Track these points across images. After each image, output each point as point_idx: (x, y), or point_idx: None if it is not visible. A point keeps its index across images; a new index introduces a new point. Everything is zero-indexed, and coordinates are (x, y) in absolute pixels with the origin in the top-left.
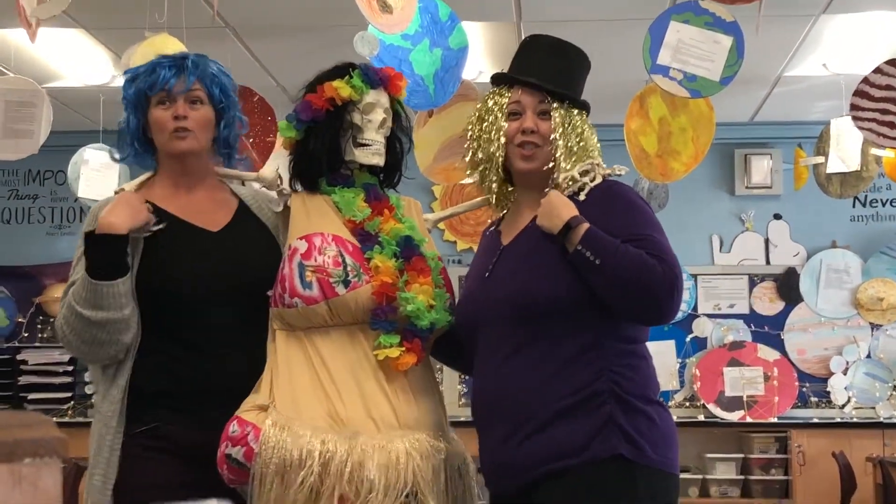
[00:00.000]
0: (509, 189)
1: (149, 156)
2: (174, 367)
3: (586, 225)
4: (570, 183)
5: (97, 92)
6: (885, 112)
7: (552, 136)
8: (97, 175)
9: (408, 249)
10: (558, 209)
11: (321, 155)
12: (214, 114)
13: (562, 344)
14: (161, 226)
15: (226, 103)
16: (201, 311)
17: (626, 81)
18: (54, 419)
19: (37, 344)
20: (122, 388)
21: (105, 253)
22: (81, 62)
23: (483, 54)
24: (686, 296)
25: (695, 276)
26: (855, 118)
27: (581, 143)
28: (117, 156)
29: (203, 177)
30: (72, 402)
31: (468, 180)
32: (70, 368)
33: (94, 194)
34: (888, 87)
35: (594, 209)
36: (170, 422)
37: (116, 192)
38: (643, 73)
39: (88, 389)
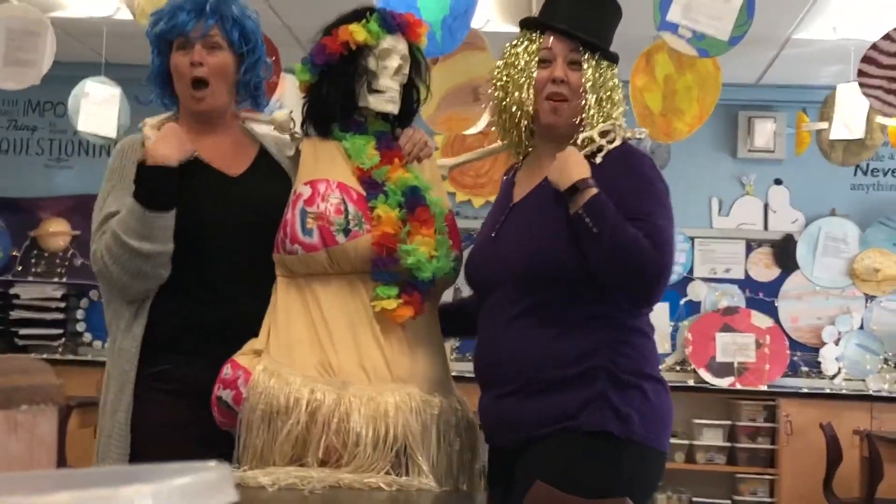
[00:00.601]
0: (530, 138)
1: (174, 99)
2: (190, 307)
3: (593, 190)
4: (589, 143)
5: (101, 24)
6: (892, 80)
7: (582, 88)
8: (97, 109)
9: (413, 199)
10: (570, 167)
11: (334, 100)
12: (235, 58)
13: (563, 312)
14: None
15: (247, 48)
16: (218, 254)
17: (634, 36)
18: (45, 355)
19: (30, 279)
20: (143, 326)
21: (158, 184)
22: None
23: (492, 3)
24: (682, 258)
25: (692, 239)
26: (862, 84)
27: (610, 97)
28: (143, 99)
29: (224, 123)
30: (63, 339)
31: (471, 131)
32: (62, 305)
33: (94, 128)
34: None
35: (607, 174)
36: (179, 364)
37: (140, 128)
38: (651, 29)
39: (80, 327)
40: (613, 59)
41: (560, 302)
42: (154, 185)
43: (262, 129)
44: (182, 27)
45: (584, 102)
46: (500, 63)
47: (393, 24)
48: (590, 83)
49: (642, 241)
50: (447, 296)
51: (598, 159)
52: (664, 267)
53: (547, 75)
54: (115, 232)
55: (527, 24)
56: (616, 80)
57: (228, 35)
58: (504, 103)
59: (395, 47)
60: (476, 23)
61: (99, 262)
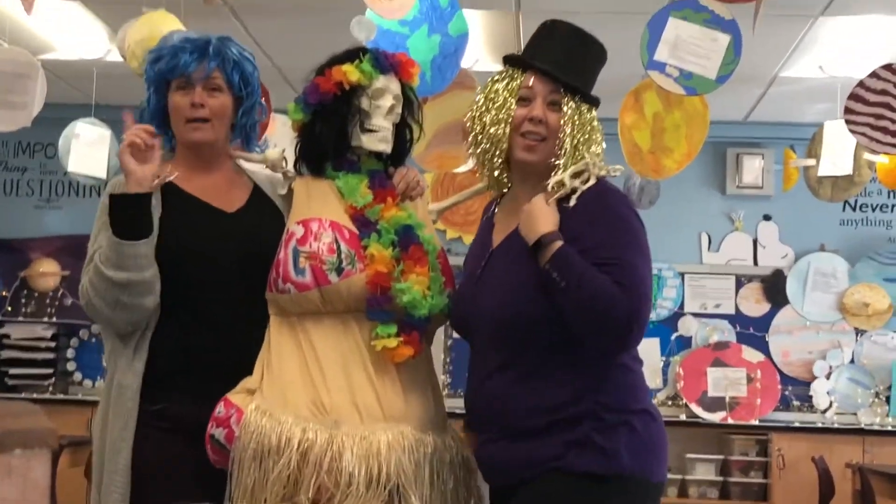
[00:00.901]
0: (506, 174)
1: (168, 137)
2: (187, 344)
3: (558, 244)
4: (560, 187)
5: (91, 65)
6: (879, 117)
7: (560, 130)
8: (88, 150)
9: (406, 238)
10: (536, 221)
11: (327, 139)
12: (234, 101)
13: (542, 362)
14: (174, 175)
15: (245, 91)
16: (214, 291)
17: (622, 75)
18: (35, 395)
19: (20, 319)
20: (144, 362)
21: (128, 212)
22: (77, 35)
23: (481, 43)
24: (672, 294)
25: (682, 275)
26: (849, 122)
27: (587, 141)
28: None
29: (219, 161)
30: (53, 379)
31: (461, 169)
32: (53, 345)
33: (85, 169)
34: (883, 92)
35: (578, 219)
36: (176, 401)
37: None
38: (639, 68)
39: (70, 366)
40: (594, 101)
41: (539, 350)
42: (124, 213)
43: (255, 168)
44: (184, 68)
45: (560, 143)
46: (479, 97)
47: (386, 64)
48: (569, 125)
49: (611, 290)
50: (440, 333)
51: (573, 202)
52: (635, 312)
53: (525, 113)
54: (95, 264)
55: (510, 62)
56: (595, 123)
57: (229, 78)
58: (480, 137)
59: (387, 87)
60: (465, 62)
61: (84, 296)
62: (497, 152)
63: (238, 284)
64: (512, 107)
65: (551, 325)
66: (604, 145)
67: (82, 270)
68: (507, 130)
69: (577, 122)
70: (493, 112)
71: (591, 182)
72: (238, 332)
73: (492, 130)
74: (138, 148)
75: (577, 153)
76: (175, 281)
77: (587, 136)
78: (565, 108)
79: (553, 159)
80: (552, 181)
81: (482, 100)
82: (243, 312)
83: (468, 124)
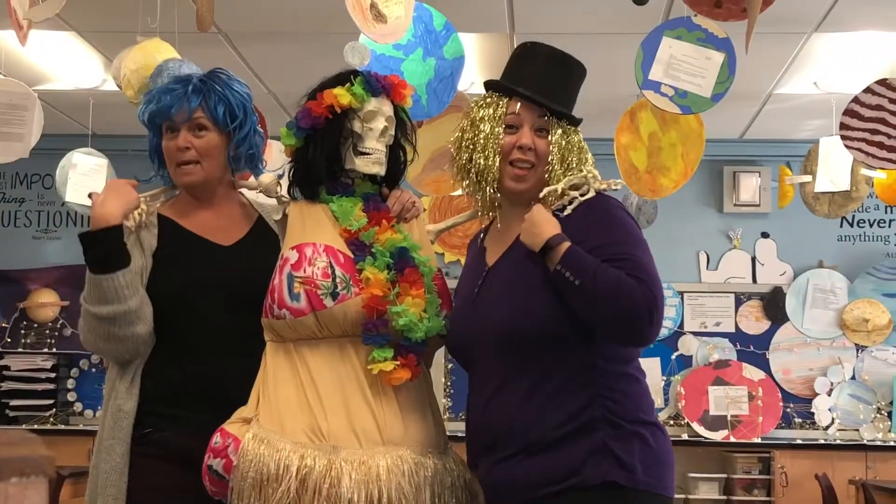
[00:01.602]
0: (497, 196)
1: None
2: (180, 376)
3: (567, 244)
4: (553, 195)
5: (87, 96)
6: (874, 132)
7: (550, 156)
8: (85, 179)
9: (402, 261)
10: (540, 227)
11: (320, 163)
12: (223, 136)
13: (551, 374)
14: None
15: (234, 125)
16: (206, 321)
17: (617, 95)
18: (36, 426)
19: (19, 350)
20: (139, 388)
21: (103, 245)
22: (72, 65)
23: (475, 66)
24: (672, 313)
25: (681, 294)
26: (844, 137)
27: (577, 164)
28: (143, 178)
29: (219, 196)
30: (54, 410)
31: (459, 192)
32: (52, 375)
33: (82, 199)
34: (878, 108)
35: (578, 225)
36: (173, 431)
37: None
38: (634, 88)
39: (70, 396)
40: (578, 122)
41: (547, 361)
42: (96, 248)
43: (261, 199)
44: (167, 111)
45: (550, 169)
46: (465, 123)
47: (377, 86)
48: (556, 149)
49: (627, 280)
50: (440, 356)
51: (568, 211)
52: (654, 299)
53: (513, 141)
54: (82, 303)
55: (493, 87)
56: (582, 144)
57: (213, 115)
58: (468, 166)
59: (380, 109)
60: (460, 85)
61: (81, 332)
62: (488, 181)
63: (231, 316)
64: (500, 135)
65: (558, 334)
66: (593, 164)
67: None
68: (496, 159)
69: (564, 146)
70: (481, 141)
71: (590, 195)
72: (231, 363)
73: (480, 161)
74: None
75: (567, 173)
76: (168, 314)
77: (577, 157)
78: (553, 134)
79: (543, 184)
80: (546, 190)
81: (467, 127)
82: (234, 344)
83: (453, 153)
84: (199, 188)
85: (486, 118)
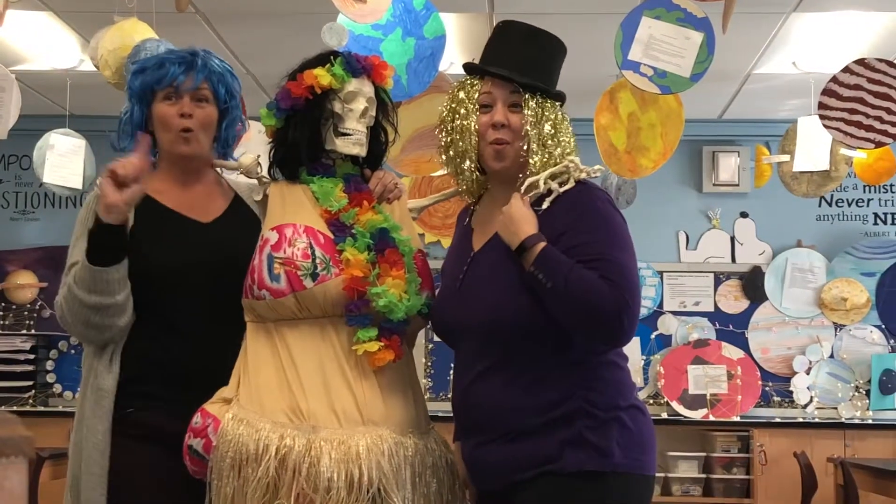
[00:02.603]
0: (483, 177)
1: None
2: (160, 355)
3: (541, 245)
4: (533, 188)
5: (64, 76)
6: (853, 112)
7: (523, 130)
8: (63, 160)
9: (382, 241)
10: (516, 224)
11: (301, 144)
12: (219, 113)
13: (532, 363)
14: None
15: (230, 104)
16: (186, 301)
17: (596, 76)
18: (15, 408)
19: None
20: (119, 365)
21: (101, 239)
22: (49, 46)
23: (455, 45)
24: (651, 292)
25: (661, 273)
26: (822, 117)
27: (554, 135)
28: (117, 145)
29: (200, 173)
30: (33, 391)
31: (439, 173)
32: (31, 357)
33: (60, 180)
34: (856, 87)
35: (558, 219)
36: (153, 410)
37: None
38: (614, 68)
39: (49, 378)
40: (558, 97)
41: (528, 352)
42: (98, 238)
43: (236, 177)
44: (172, 79)
45: (526, 142)
46: (445, 107)
47: (358, 67)
48: (531, 121)
49: (598, 284)
50: (421, 336)
51: (546, 204)
52: (626, 304)
53: (488, 120)
54: (69, 282)
55: (469, 70)
56: (560, 117)
57: (215, 89)
58: (450, 149)
59: (360, 90)
60: (440, 65)
61: (58, 310)
62: (468, 162)
63: (211, 294)
64: (475, 115)
65: (540, 325)
66: (573, 137)
67: (61, 281)
68: (475, 140)
69: (539, 119)
70: (458, 123)
71: (570, 185)
72: (211, 341)
73: (459, 142)
74: (117, 177)
75: (545, 149)
76: (147, 292)
77: (553, 129)
78: (526, 108)
79: (523, 159)
80: (527, 182)
81: (448, 110)
82: (217, 322)
83: (438, 136)
84: (190, 161)
85: (462, 100)
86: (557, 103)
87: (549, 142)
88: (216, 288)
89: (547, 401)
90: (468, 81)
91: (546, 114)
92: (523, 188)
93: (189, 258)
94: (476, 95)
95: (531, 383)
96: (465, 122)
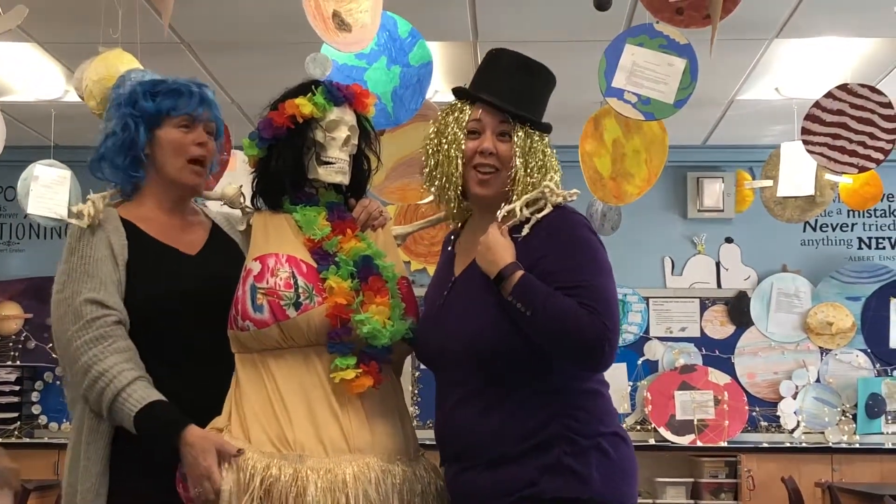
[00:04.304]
0: (465, 202)
1: (136, 172)
2: (154, 385)
3: (519, 274)
4: (511, 215)
5: (49, 107)
6: (836, 136)
7: (512, 160)
8: (48, 191)
9: (366, 269)
10: (494, 253)
11: (283, 173)
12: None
13: (512, 390)
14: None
15: (219, 139)
16: (178, 332)
17: (581, 103)
18: (0, 439)
19: None
20: None
21: (156, 436)
22: (34, 77)
23: (440, 74)
24: (637, 318)
25: (647, 299)
26: (806, 142)
27: (541, 167)
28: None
29: (185, 201)
30: (18, 423)
31: (425, 200)
32: (17, 388)
33: (45, 210)
34: (839, 112)
35: (536, 246)
36: (140, 444)
37: (82, 205)
38: (598, 95)
39: (35, 409)
40: (545, 128)
41: (507, 378)
42: (153, 433)
43: (212, 206)
44: (191, 108)
45: (513, 173)
46: (432, 131)
47: (339, 95)
48: (519, 154)
49: (577, 312)
50: (407, 364)
51: (525, 230)
52: (606, 331)
53: (475, 146)
54: (104, 392)
55: (459, 94)
56: (547, 148)
57: (218, 125)
58: (434, 173)
59: (342, 118)
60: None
61: (77, 375)
62: (452, 187)
63: (203, 327)
64: (462, 141)
65: (518, 352)
66: (560, 171)
67: (72, 321)
68: (460, 165)
69: (527, 149)
70: (445, 147)
71: (547, 210)
72: (203, 373)
73: (445, 166)
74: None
75: (530, 180)
76: (143, 327)
77: (540, 162)
78: (515, 138)
79: (507, 188)
80: (504, 210)
81: (434, 133)
82: (207, 354)
83: (423, 159)
84: (192, 191)
85: (451, 125)
86: (545, 135)
87: (536, 174)
88: (208, 321)
89: (526, 427)
90: (458, 106)
91: (534, 145)
92: (500, 216)
93: (180, 293)
94: (465, 120)
95: (510, 410)
96: (452, 147)
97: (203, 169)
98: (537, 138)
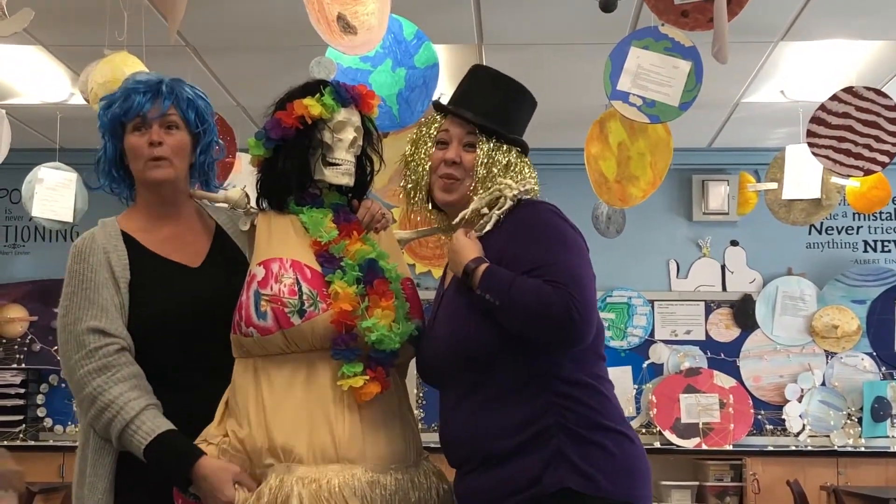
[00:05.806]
0: (440, 213)
1: (126, 185)
2: (159, 401)
3: (483, 266)
4: (473, 216)
5: (54, 110)
6: (841, 139)
7: (473, 170)
8: (52, 194)
9: (371, 273)
10: (459, 253)
11: (290, 174)
12: (191, 139)
13: (501, 388)
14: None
15: (202, 128)
16: (184, 350)
17: (586, 106)
18: (6, 442)
19: None
20: None
21: (168, 469)
22: (39, 80)
23: (444, 77)
24: (643, 321)
25: (651, 302)
26: (811, 145)
27: (503, 177)
28: (93, 185)
29: (180, 204)
30: (23, 425)
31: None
32: (22, 391)
33: (49, 213)
34: (845, 115)
35: (503, 238)
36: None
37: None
38: (603, 98)
39: (40, 412)
40: (516, 143)
41: (496, 376)
42: (165, 466)
43: (223, 210)
44: (139, 108)
45: (474, 181)
46: (409, 139)
47: (346, 96)
48: (480, 164)
49: (542, 289)
50: (412, 367)
51: (489, 227)
52: (572, 300)
53: (441, 156)
54: (111, 424)
55: (436, 108)
56: (513, 160)
57: (185, 115)
58: (406, 177)
59: (349, 120)
60: None
61: (84, 403)
62: (418, 193)
63: (207, 343)
64: (431, 149)
65: (502, 349)
66: (535, 181)
67: (74, 349)
68: (426, 172)
69: (492, 161)
70: (416, 155)
71: (508, 205)
72: (211, 389)
73: (414, 173)
74: None
75: (490, 185)
76: (147, 346)
77: (503, 172)
78: (479, 149)
79: (472, 196)
80: (465, 212)
81: (410, 143)
82: (208, 366)
83: (401, 164)
84: (166, 188)
85: (423, 135)
86: (515, 148)
87: (496, 181)
88: (209, 333)
89: (520, 420)
90: (430, 118)
91: (498, 157)
92: (459, 220)
93: (181, 305)
94: (434, 132)
95: (503, 407)
96: (421, 156)
97: (163, 161)
98: (504, 150)
